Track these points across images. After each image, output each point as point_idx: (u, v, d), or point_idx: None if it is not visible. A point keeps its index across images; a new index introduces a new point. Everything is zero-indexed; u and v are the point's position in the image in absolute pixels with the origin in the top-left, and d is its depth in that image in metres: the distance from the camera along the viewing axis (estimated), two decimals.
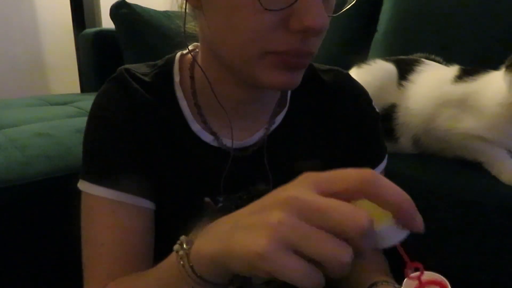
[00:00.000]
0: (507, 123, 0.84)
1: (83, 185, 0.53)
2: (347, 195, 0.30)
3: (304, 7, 0.41)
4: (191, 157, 0.56)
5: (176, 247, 0.40)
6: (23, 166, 0.86)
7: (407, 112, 0.99)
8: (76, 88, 2.14)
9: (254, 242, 0.29)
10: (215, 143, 0.56)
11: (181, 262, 0.38)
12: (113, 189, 0.52)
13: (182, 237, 0.40)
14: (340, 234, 0.28)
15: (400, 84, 1.01)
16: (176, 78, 0.57)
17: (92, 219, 0.53)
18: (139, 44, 1.58)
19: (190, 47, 0.58)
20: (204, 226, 0.57)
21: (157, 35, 1.56)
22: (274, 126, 0.59)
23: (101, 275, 0.52)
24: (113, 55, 1.70)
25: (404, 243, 0.31)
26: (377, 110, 0.67)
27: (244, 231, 0.31)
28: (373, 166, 0.65)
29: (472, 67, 0.96)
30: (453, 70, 0.97)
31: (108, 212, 0.52)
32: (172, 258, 0.41)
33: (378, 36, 1.40)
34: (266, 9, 0.41)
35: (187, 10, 0.51)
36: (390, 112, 1.00)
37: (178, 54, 0.59)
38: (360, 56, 1.18)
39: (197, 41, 0.58)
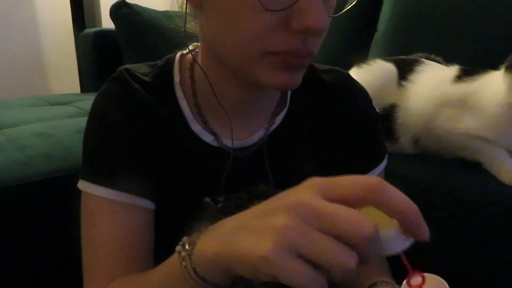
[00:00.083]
0: (507, 123, 0.84)
1: (83, 185, 0.53)
2: (354, 202, 0.30)
3: (305, 7, 0.41)
4: (191, 157, 0.56)
5: (178, 248, 0.40)
6: (23, 166, 0.86)
7: (407, 112, 0.99)
8: (76, 88, 2.14)
9: (259, 246, 0.29)
10: (215, 143, 0.56)
11: (183, 263, 0.38)
12: (113, 189, 0.52)
13: (185, 238, 0.40)
14: (345, 240, 0.28)
15: (400, 84, 1.01)
16: (176, 78, 0.57)
17: (92, 219, 0.53)
18: (139, 44, 1.58)
19: (190, 47, 0.57)
20: (205, 227, 0.57)
21: (157, 35, 1.56)
22: (274, 126, 0.59)
23: (101, 275, 0.51)
24: (113, 55, 1.70)
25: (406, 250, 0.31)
26: (377, 110, 0.67)
27: (248, 233, 0.31)
28: (373, 166, 0.65)
29: (472, 67, 0.96)
30: (453, 70, 0.97)
31: (108, 212, 0.52)
32: (174, 259, 0.40)
33: (378, 36, 1.40)
34: (266, 9, 0.41)
35: (187, 10, 0.51)
36: (390, 112, 1.00)
37: (178, 54, 0.59)
38: (360, 56, 1.18)
39: (197, 41, 0.58)
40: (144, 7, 1.64)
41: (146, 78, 0.56)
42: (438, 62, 1.06)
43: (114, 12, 1.57)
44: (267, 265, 0.29)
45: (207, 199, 0.56)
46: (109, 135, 0.53)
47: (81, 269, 0.54)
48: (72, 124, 1.11)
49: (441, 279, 0.60)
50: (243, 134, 0.57)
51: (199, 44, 0.57)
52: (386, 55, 1.15)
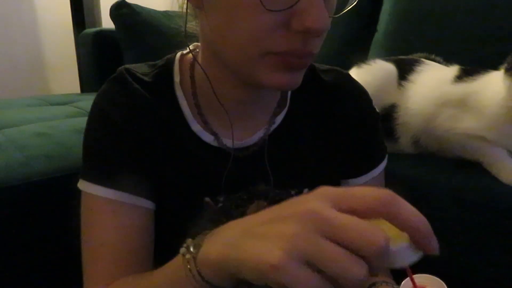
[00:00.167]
0: (507, 123, 0.84)
1: (83, 185, 0.53)
2: (365, 213, 0.30)
3: (306, 8, 0.41)
4: (191, 157, 0.56)
5: (182, 250, 0.39)
6: (23, 166, 0.86)
7: (407, 112, 0.99)
8: (76, 88, 2.14)
9: (268, 253, 0.29)
10: (215, 143, 0.56)
11: (188, 266, 0.38)
12: (113, 189, 0.52)
13: (189, 240, 0.40)
14: (356, 251, 0.28)
15: (400, 84, 1.01)
16: (176, 78, 0.57)
17: (92, 219, 0.53)
18: (139, 44, 1.58)
19: (191, 47, 0.57)
20: (205, 227, 0.57)
21: (157, 35, 1.56)
22: (274, 126, 0.59)
23: (101, 275, 0.51)
24: (113, 55, 1.70)
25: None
26: (377, 110, 0.67)
27: (257, 240, 0.31)
28: (373, 166, 0.65)
29: (472, 67, 0.96)
30: (453, 70, 0.97)
31: (108, 212, 0.52)
32: (177, 261, 0.40)
33: (378, 36, 1.40)
34: (267, 9, 0.41)
35: (188, 10, 0.51)
36: (390, 112, 1.00)
37: (178, 54, 0.59)
38: (360, 56, 1.18)
39: (197, 41, 0.58)
40: (144, 7, 1.64)
41: (146, 78, 0.56)
42: (438, 62, 1.06)
43: (114, 12, 1.57)
44: (276, 273, 0.28)
45: (207, 199, 0.56)
46: (109, 135, 0.53)
47: (81, 269, 0.54)
48: (72, 124, 1.11)
49: (439, 279, 0.60)
50: (243, 134, 0.57)
51: (199, 44, 0.57)
52: (386, 55, 1.15)
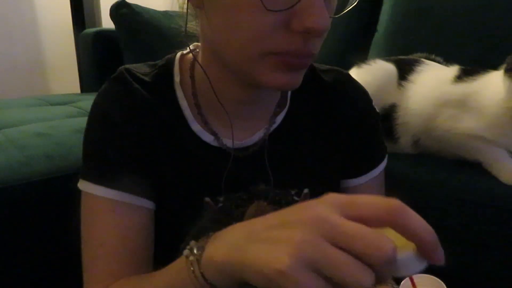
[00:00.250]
0: (507, 124, 0.84)
1: (83, 185, 0.53)
2: (372, 222, 0.30)
3: (306, 8, 0.41)
4: (192, 157, 0.56)
5: (186, 252, 0.39)
6: (23, 166, 0.86)
7: (407, 112, 0.99)
8: (76, 88, 2.14)
9: (275, 258, 0.29)
10: (215, 143, 0.56)
11: (191, 268, 0.38)
12: (113, 188, 0.52)
13: (192, 242, 0.40)
14: (363, 259, 0.28)
15: (400, 84, 1.01)
16: (177, 78, 0.57)
17: (92, 219, 0.53)
18: (139, 44, 1.58)
19: (191, 47, 0.58)
20: (205, 227, 0.57)
21: (157, 35, 1.56)
22: (274, 126, 0.59)
23: (101, 275, 0.51)
24: (113, 55, 1.70)
25: None
26: (377, 110, 0.67)
27: (263, 244, 0.31)
28: (373, 166, 0.65)
29: (472, 67, 0.96)
30: (453, 70, 0.97)
31: (108, 211, 0.52)
32: (180, 263, 0.40)
33: (378, 36, 1.40)
34: (268, 9, 0.41)
35: (188, 10, 0.51)
36: (390, 112, 1.00)
37: (179, 54, 0.59)
38: (360, 56, 1.18)
39: (197, 41, 0.58)
40: (144, 7, 1.64)
41: (146, 78, 0.56)
42: (438, 62, 1.06)
43: (114, 12, 1.57)
44: (283, 278, 0.28)
45: (207, 199, 0.56)
46: (109, 135, 0.53)
47: (81, 269, 0.54)
48: (72, 124, 1.11)
49: (438, 279, 0.60)
50: (243, 134, 0.57)
51: (199, 44, 0.57)
52: (386, 55, 1.15)
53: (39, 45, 2.26)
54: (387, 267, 0.28)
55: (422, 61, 1.04)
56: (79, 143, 0.56)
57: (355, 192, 0.65)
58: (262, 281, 0.30)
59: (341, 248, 0.28)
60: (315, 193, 0.60)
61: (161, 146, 0.55)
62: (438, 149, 0.96)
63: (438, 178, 0.87)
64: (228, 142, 0.57)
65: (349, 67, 1.07)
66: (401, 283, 0.54)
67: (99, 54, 1.78)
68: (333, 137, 0.62)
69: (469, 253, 0.81)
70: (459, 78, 0.94)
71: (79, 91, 2.11)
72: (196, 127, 0.56)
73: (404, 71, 1.02)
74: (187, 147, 0.56)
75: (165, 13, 1.68)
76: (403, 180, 0.89)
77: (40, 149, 0.92)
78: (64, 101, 1.52)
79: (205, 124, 0.56)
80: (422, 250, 0.30)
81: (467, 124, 0.89)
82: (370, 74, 1.03)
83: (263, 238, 0.32)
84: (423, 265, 0.31)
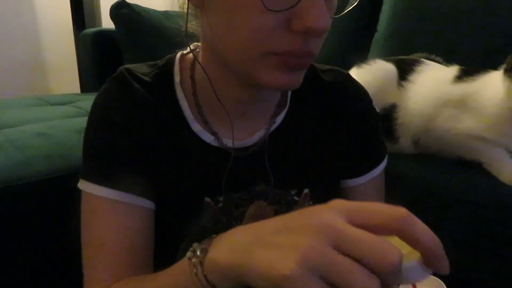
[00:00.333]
0: (507, 124, 0.84)
1: (83, 185, 0.53)
2: (378, 229, 0.30)
3: (307, 8, 0.41)
4: (192, 157, 0.56)
5: (189, 254, 0.39)
6: (23, 166, 0.86)
7: (407, 112, 0.99)
8: (76, 88, 2.14)
9: (281, 263, 0.29)
10: (215, 143, 0.56)
11: (194, 270, 0.38)
12: (114, 188, 0.52)
13: (195, 244, 0.40)
14: (369, 267, 0.28)
15: (400, 84, 1.01)
16: (177, 78, 0.57)
17: (92, 219, 0.53)
18: (139, 44, 1.58)
19: (191, 47, 0.57)
20: (205, 227, 0.57)
21: (157, 35, 1.56)
22: (274, 126, 0.59)
23: (102, 275, 0.51)
24: (113, 55, 1.70)
25: None
26: (377, 110, 0.67)
27: (269, 249, 0.31)
28: (373, 166, 0.65)
29: (472, 67, 0.96)
30: (453, 70, 0.97)
31: (108, 212, 0.52)
32: (183, 264, 0.40)
33: (378, 36, 1.40)
34: (268, 9, 0.41)
35: (188, 10, 0.51)
36: (390, 112, 1.00)
37: (179, 54, 0.59)
38: (360, 56, 1.18)
39: (197, 41, 0.58)
40: (144, 7, 1.64)
41: (146, 78, 0.56)
42: (438, 62, 1.06)
43: (114, 12, 1.58)
44: (288, 284, 0.28)
45: (207, 199, 0.56)
46: (109, 135, 0.53)
47: (81, 269, 0.54)
48: (72, 124, 1.11)
49: (438, 279, 0.60)
50: (244, 134, 0.57)
51: (199, 44, 0.57)
52: (386, 55, 1.15)
53: (39, 45, 2.26)
54: (393, 275, 0.28)
55: (422, 61, 1.04)
56: (79, 143, 0.56)
57: (355, 191, 0.65)
58: (267, 286, 0.30)
59: (347, 255, 0.29)
60: (315, 193, 0.61)
61: (161, 146, 0.55)
62: (438, 149, 0.96)
63: (438, 178, 0.87)
64: (228, 142, 0.57)
65: (349, 67, 1.07)
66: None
67: (99, 54, 1.78)
68: (333, 137, 0.62)
69: (469, 253, 0.81)
70: (459, 78, 0.94)
71: (79, 91, 2.11)
72: (196, 127, 0.56)
73: (404, 71, 1.02)
74: (187, 147, 0.56)
75: (165, 13, 1.68)
76: (403, 180, 0.89)
77: (40, 149, 0.93)
78: (64, 101, 1.52)
79: (205, 124, 0.56)
80: (427, 259, 0.30)
81: (467, 124, 0.89)
82: (370, 74, 1.03)
83: (269, 242, 0.32)
84: (427, 274, 0.31)
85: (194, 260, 0.38)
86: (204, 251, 0.38)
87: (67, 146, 0.95)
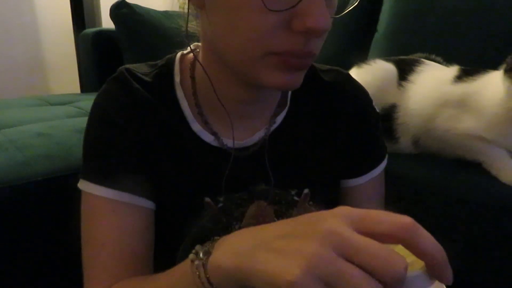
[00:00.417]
0: (507, 124, 0.84)
1: (83, 185, 0.53)
2: (383, 238, 0.30)
3: (307, 8, 0.41)
4: (192, 157, 0.56)
5: (191, 256, 0.39)
6: (23, 166, 0.86)
7: (407, 112, 0.99)
8: (76, 88, 2.14)
9: (286, 269, 0.29)
10: (215, 143, 0.56)
11: (197, 272, 0.37)
12: (114, 188, 0.52)
13: (198, 246, 0.40)
14: (374, 274, 0.28)
15: (400, 84, 1.01)
16: (177, 78, 0.57)
17: (92, 219, 0.53)
18: (139, 44, 1.58)
19: (191, 47, 0.57)
20: (205, 227, 0.57)
21: (157, 35, 1.56)
22: (274, 126, 0.59)
23: (102, 275, 0.51)
24: (113, 55, 1.70)
25: None
26: (377, 110, 0.67)
27: (274, 254, 0.31)
28: (373, 166, 0.65)
29: (472, 67, 0.96)
30: (453, 70, 0.97)
31: (108, 212, 0.52)
32: (185, 266, 0.40)
33: (378, 36, 1.40)
34: (269, 9, 0.41)
35: (189, 10, 0.51)
36: (390, 112, 1.00)
37: (179, 54, 0.59)
38: (360, 56, 1.18)
39: (197, 41, 0.58)
40: (144, 7, 1.64)
41: (146, 78, 0.56)
42: (438, 62, 1.06)
43: (114, 12, 1.57)
44: None
45: (207, 199, 0.56)
46: (109, 135, 0.53)
47: (81, 269, 0.54)
48: (72, 124, 1.10)
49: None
50: (244, 134, 0.57)
51: (199, 44, 0.57)
52: (386, 55, 1.15)
53: (39, 45, 2.26)
54: (397, 284, 0.28)
55: (422, 61, 1.04)
56: (79, 143, 0.56)
57: (355, 191, 0.65)
58: None
59: (352, 262, 0.28)
60: (315, 193, 0.61)
61: (161, 146, 0.55)
62: (438, 149, 0.96)
63: (438, 178, 0.87)
64: (228, 142, 0.57)
65: (349, 67, 1.07)
66: None
67: (99, 54, 1.78)
68: (333, 137, 0.62)
69: (469, 253, 0.81)
70: (459, 78, 0.94)
71: (79, 91, 2.11)
72: (196, 127, 0.56)
73: (404, 71, 1.02)
74: (187, 147, 0.56)
75: (165, 13, 1.68)
76: (403, 180, 0.89)
77: (40, 149, 0.92)
78: (64, 101, 1.52)
79: (206, 124, 0.56)
80: (431, 269, 0.30)
81: (467, 124, 0.89)
82: (370, 74, 1.03)
83: (274, 247, 0.31)
84: (431, 283, 0.31)
85: (196, 262, 0.38)
86: (207, 254, 0.38)
87: (67, 146, 0.95)
